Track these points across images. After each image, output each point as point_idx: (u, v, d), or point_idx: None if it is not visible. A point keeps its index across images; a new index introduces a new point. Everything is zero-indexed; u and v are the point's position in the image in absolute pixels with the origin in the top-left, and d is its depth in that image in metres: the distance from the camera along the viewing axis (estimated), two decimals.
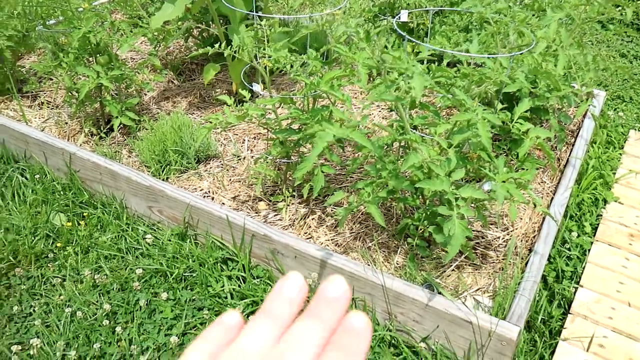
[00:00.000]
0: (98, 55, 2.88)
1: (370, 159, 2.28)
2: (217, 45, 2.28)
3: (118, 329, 2.15)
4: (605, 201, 2.65)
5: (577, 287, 2.25)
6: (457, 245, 1.73)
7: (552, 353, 2.03)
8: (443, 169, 1.78)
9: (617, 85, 3.79)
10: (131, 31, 2.86)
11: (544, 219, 2.36)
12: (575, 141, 2.86)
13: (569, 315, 2.14)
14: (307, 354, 0.36)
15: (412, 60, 1.81)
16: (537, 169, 2.71)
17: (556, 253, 2.36)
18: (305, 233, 2.31)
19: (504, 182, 1.82)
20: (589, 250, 2.41)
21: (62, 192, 2.79)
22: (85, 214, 2.66)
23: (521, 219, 2.40)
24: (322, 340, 0.37)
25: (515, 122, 2.09)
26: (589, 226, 2.50)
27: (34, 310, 2.28)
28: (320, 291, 0.39)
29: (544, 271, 2.22)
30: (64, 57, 2.81)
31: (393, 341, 2.06)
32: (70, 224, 2.61)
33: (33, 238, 2.59)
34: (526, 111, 2.13)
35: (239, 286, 2.24)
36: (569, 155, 2.75)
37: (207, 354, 0.39)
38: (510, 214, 1.90)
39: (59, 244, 2.54)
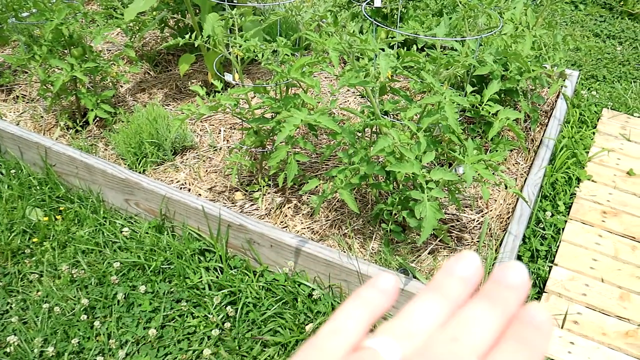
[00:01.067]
0: (72, 47, 2.85)
1: (344, 146, 2.29)
2: (187, 36, 2.27)
3: (96, 323, 2.15)
4: (578, 180, 2.68)
5: (551, 266, 2.28)
6: (429, 227, 1.74)
7: None
8: (413, 152, 1.79)
9: (590, 65, 3.82)
10: (105, 22, 2.84)
11: (517, 200, 2.38)
12: (548, 122, 2.89)
13: (543, 293, 2.18)
14: (483, 339, 0.33)
15: (380, 43, 1.82)
16: (511, 150, 2.73)
17: (531, 233, 2.39)
18: (282, 222, 2.32)
19: (473, 163, 1.84)
20: (563, 229, 2.44)
21: (38, 187, 2.77)
22: (62, 209, 2.66)
23: (495, 200, 2.43)
24: (499, 327, 0.33)
25: (485, 105, 2.10)
26: (562, 205, 2.53)
27: (10, 307, 2.27)
28: (496, 275, 0.35)
29: (518, 251, 2.25)
30: (37, 49, 2.79)
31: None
32: (47, 218, 2.61)
33: (9, 234, 2.57)
34: (499, 93, 2.15)
35: (217, 277, 2.24)
36: (543, 136, 2.77)
37: (362, 321, 0.36)
38: (483, 194, 1.92)
39: (35, 240, 2.53)
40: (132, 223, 2.56)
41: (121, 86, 3.35)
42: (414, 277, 1.98)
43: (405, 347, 0.33)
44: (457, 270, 0.36)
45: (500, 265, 0.35)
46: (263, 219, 2.33)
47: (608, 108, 3.28)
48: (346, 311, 0.36)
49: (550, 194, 2.61)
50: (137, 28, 3.20)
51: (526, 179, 2.50)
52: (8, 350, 2.08)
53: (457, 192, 2.12)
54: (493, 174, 1.91)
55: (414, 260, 2.15)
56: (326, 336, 0.35)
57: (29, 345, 2.11)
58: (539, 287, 2.25)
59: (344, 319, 0.36)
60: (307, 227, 2.28)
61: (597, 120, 3.14)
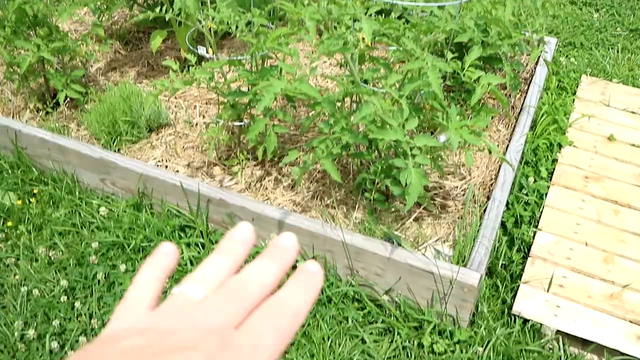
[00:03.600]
0: (37, 27, 2.76)
1: (324, 117, 2.25)
2: (157, 9, 2.20)
3: (77, 304, 2.11)
4: (560, 146, 2.67)
5: (535, 231, 2.27)
6: (415, 193, 1.72)
7: (514, 296, 2.06)
8: (396, 119, 1.76)
9: (567, 32, 3.81)
10: (72, 0, 2.75)
11: (500, 166, 2.37)
12: (528, 88, 2.87)
13: (528, 258, 2.17)
14: (266, 278, 0.42)
15: (360, 7, 1.77)
16: (492, 117, 2.71)
17: (514, 199, 2.38)
18: (262, 195, 2.28)
19: (457, 129, 1.81)
20: (546, 194, 2.44)
21: (10, 171, 2.69)
22: (35, 191, 2.58)
23: (478, 167, 2.41)
24: (278, 273, 0.42)
25: (467, 71, 2.07)
26: (545, 171, 2.52)
27: None
28: (274, 241, 0.44)
29: (503, 218, 2.24)
30: (0, 31, 2.70)
31: (356, 296, 2.06)
32: (20, 202, 2.54)
33: None
34: (480, 60, 2.12)
35: (199, 253, 2.20)
36: (523, 103, 2.76)
37: (158, 278, 0.45)
38: (466, 160, 1.90)
39: (9, 224, 2.46)
40: (109, 202, 2.50)
41: (91, 66, 3.27)
42: (399, 245, 1.96)
43: (205, 288, 0.42)
44: (235, 234, 0.46)
45: (277, 237, 0.45)
46: (243, 192, 2.28)
47: (587, 74, 3.28)
48: (144, 274, 0.45)
49: (532, 160, 2.60)
50: (105, 7, 3.10)
51: (508, 145, 2.49)
52: None
53: (439, 160, 2.09)
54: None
55: (399, 229, 2.12)
56: (133, 295, 0.43)
57: (9, 329, 2.06)
58: (523, 252, 2.24)
59: (144, 279, 0.45)
60: (289, 200, 2.24)
61: (577, 87, 3.13)
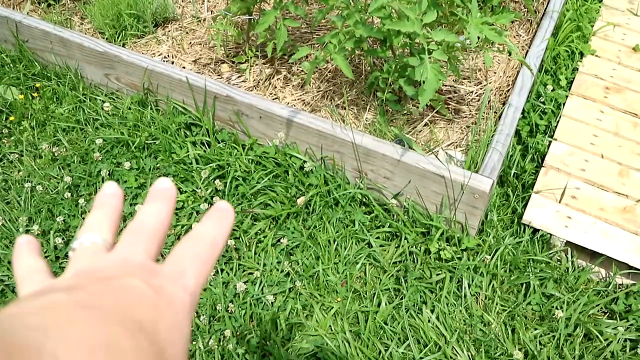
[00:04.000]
0: None
1: (338, 10, 2.14)
2: None
3: (81, 201, 2.08)
4: (581, 54, 2.55)
5: (550, 141, 2.20)
6: (430, 90, 1.64)
7: (525, 206, 2.01)
8: (413, 11, 1.66)
9: None
10: None
11: (518, 72, 2.27)
12: None
13: (542, 168, 2.11)
14: (162, 217, 0.45)
15: None
16: (512, 22, 2.59)
17: (530, 107, 2.29)
18: (271, 94, 2.20)
19: (478, 25, 1.71)
20: (564, 104, 2.35)
21: (11, 65, 2.62)
22: (38, 86, 2.52)
23: (495, 72, 2.31)
24: (169, 210, 0.46)
25: None
26: (564, 80, 2.42)
27: None
28: (154, 187, 0.47)
29: (517, 126, 2.17)
30: None
31: (364, 199, 2.02)
32: (23, 97, 2.47)
33: None
34: None
35: (204, 151, 2.15)
36: (546, 7, 2.62)
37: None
38: (485, 61, 1.81)
39: (12, 119, 2.41)
40: (113, 99, 2.43)
41: None
42: (411, 147, 1.90)
43: (99, 235, 0.44)
44: (106, 191, 0.49)
45: (155, 184, 0.47)
46: (251, 91, 2.21)
47: None
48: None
49: (551, 68, 2.49)
50: None
51: (527, 51, 2.38)
52: None
53: (456, 60, 2.00)
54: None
55: (410, 132, 2.06)
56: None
57: (14, 224, 2.05)
58: (537, 162, 2.18)
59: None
60: (298, 99, 2.17)
61: None
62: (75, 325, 0.32)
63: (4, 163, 2.28)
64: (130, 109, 2.34)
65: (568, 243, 1.93)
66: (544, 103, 2.33)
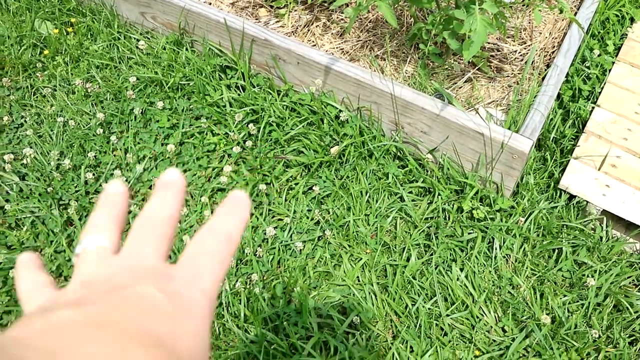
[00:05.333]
0: None
1: None
2: None
3: (113, 138, 2.07)
4: (632, 20, 2.46)
5: (593, 107, 2.13)
6: (478, 42, 1.58)
7: (563, 171, 1.96)
8: None
9: None
10: None
11: (565, 34, 2.19)
12: None
13: (582, 134, 2.05)
14: (170, 212, 0.43)
15: None
16: None
17: (574, 72, 2.22)
18: (309, 41, 2.16)
19: None
20: (610, 70, 2.27)
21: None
22: (73, 21, 2.49)
23: (540, 33, 2.24)
24: (178, 203, 0.43)
25: None
26: (612, 45, 2.34)
27: (25, 121, 2.18)
28: (161, 179, 0.45)
29: (560, 90, 2.10)
30: None
31: (399, 153, 1.98)
32: (57, 31, 2.45)
33: (19, 47, 2.44)
34: None
35: (239, 95, 2.12)
36: None
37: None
38: (534, 18, 1.74)
39: (46, 53, 2.39)
40: (148, 38, 2.40)
41: None
42: (450, 103, 1.85)
43: (105, 236, 0.42)
44: (110, 191, 0.46)
45: (162, 176, 0.45)
46: (289, 36, 2.16)
47: None
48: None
49: (599, 32, 2.41)
50: None
51: (576, 13, 2.30)
52: (25, 162, 2.01)
53: (502, 17, 1.93)
54: None
55: (450, 87, 2.00)
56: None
57: (45, 158, 2.04)
58: (577, 128, 2.12)
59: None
60: (337, 47, 2.12)
61: None
62: (86, 346, 0.30)
63: (37, 97, 2.27)
64: (165, 48, 2.30)
65: (604, 212, 1.88)
66: (588, 68, 2.25)
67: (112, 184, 0.46)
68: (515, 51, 2.17)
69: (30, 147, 2.07)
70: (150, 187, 1.96)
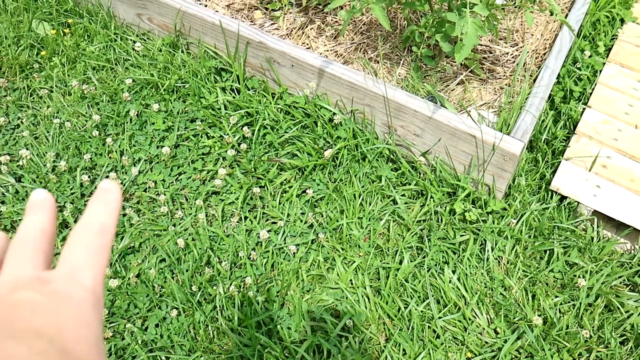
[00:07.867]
0: None
1: None
2: None
3: (108, 140, 2.08)
4: (622, 21, 2.48)
5: (584, 108, 2.16)
6: (469, 45, 1.60)
7: (554, 173, 1.98)
8: None
9: None
10: None
11: (556, 35, 2.21)
12: None
13: (574, 135, 2.07)
14: (46, 226, 0.44)
15: None
16: None
17: (565, 73, 2.24)
18: (304, 43, 2.17)
19: None
20: (601, 71, 2.29)
21: (44, 0, 2.60)
22: (70, 22, 2.50)
23: (532, 35, 2.26)
24: (53, 218, 0.44)
25: None
26: (602, 46, 2.36)
27: (21, 122, 2.20)
28: (28, 203, 0.45)
29: (551, 91, 2.12)
30: None
31: (392, 156, 2.01)
32: (54, 32, 2.46)
33: (16, 48, 2.45)
34: None
35: (234, 97, 2.14)
36: None
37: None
38: (526, 19, 1.76)
39: (44, 54, 2.41)
40: (145, 40, 2.42)
41: None
42: (442, 105, 1.87)
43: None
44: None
45: (30, 197, 0.45)
46: (284, 39, 2.18)
47: None
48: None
49: (590, 34, 2.43)
50: None
51: (567, 14, 2.32)
52: (21, 163, 2.03)
53: (494, 19, 1.95)
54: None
55: (443, 90, 2.02)
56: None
57: (42, 159, 2.06)
58: (569, 129, 2.14)
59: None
60: (331, 50, 2.14)
61: None
62: None
63: (33, 98, 2.29)
64: (161, 50, 2.32)
65: (595, 212, 1.91)
66: (580, 69, 2.28)
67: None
68: (507, 53, 2.19)
69: (27, 149, 2.08)
70: (145, 190, 1.98)
